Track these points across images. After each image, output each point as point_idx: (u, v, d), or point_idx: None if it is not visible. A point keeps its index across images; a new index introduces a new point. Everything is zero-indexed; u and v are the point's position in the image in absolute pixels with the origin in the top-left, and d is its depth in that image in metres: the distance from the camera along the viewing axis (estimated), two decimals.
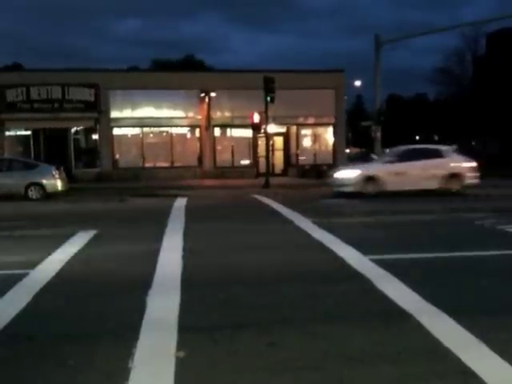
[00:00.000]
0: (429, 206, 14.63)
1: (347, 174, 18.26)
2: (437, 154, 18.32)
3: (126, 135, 29.65)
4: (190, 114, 29.43)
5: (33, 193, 18.57)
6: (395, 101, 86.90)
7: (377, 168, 18.26)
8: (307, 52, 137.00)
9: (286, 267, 7.37)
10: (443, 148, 19.21)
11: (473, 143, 52.75)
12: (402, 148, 20.17)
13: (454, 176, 17.82)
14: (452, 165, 18.04)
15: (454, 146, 20.34)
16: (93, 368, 4.00)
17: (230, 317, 5.18)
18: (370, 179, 17.57)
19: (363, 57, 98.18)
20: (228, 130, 30.26)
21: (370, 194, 17.21)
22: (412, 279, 6.28)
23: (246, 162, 30.24)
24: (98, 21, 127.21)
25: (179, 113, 29.37)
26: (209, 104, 28.81)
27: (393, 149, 21.14)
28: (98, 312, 5.41)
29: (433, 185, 17.54)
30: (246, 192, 20.02)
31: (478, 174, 18.21)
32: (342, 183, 18.03)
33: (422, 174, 17.59)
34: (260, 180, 25.21)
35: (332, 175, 18.98)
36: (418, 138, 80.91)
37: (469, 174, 17.96)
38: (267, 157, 25.22)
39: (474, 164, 18.40)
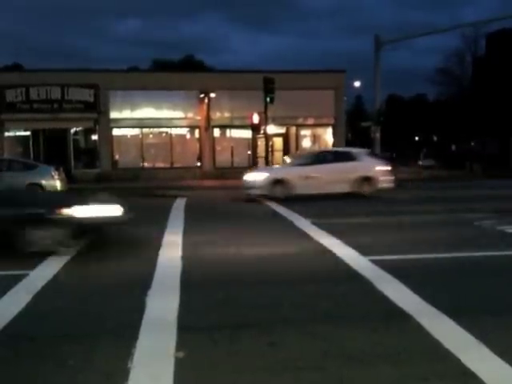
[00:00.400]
0: (430, 207, 14.64)
1: (256, 177, 17.69)
2: (349, 157, 17.85)
3: (126, 136, 29.65)
4: (190, 115, 29.43)
5: None
6: (395, 101, 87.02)
7: (286, 171, 17.77)
8: (307, 52, 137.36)
9: (286, 267, 7.37)
10: (356, 151, 18.71)
11: (472, 143, 52.86)
12: (313, 151, 19.82)
13: (367, 179, 17.35)
14: (364, 168, 17.55)
15: (368, 150, 19.96)
16: (92, 368, 4.00)
17: (229, 317, 5.18)
18: (278, 182, 16.99)
19: (363, 57, 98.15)
20: (227, 130, 30.27)
21: (277, 197, 16.59)
22: (412, 280, 6.28)
23: (244, 162, 30.23)
24: (98, 21, 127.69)
25: (179, 113, 29.37)
26: (208, 104, 28.81)
27: (304, 152, 20.83)
28: (97, 312, 5.41)
29: (344, 188, 17.05)
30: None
31: (392, 178, 17.82)
32: (251, 186, 17.47)
33: (332, 177, 17.07)
34: None
35: (243, 178, 18.25)
36: (417, 138, 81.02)
37: (382, 178, 17.50)
38: (266, 157, 25.22)
39: (388, 168, 18.04)
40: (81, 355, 4.23)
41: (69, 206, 8.22)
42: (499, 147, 47.70)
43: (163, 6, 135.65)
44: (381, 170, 17.87)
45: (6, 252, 8.72)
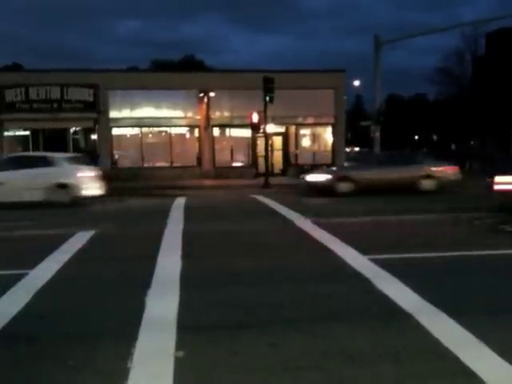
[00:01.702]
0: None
1: None
2: (44, 163, 16.67)
3: (125, 135, 29.63)
4: (189, 114, 29.40)
5: None
6: (395, 101, 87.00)
7: None
8: (306, 52, 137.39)
9: (286, 267, 7.36)
10: (53, 156, 17.35)
11: (472, 143, 52.90)
12: (5, 156, 19.03)
13: (63, 186, 16.15)
14: (60, 174, 16.36)
15: (73, 154, 18.91)
16: (92, 368, 4.00)
17: (229, 317, 5.18)
18: None
19: (363, 57, 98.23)
20: (227, 129, 30.24)
21: None
22: (411, 279, 6.27)
23: (244, 162, 30.22)
24: (97, 21, 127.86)
25: (178, 113, 29.34)
26: (208, 104, 28.79)
27: None
28: (97, 312, 5.41)
29: (37, 196, 15.67)
30: (246, 192, 20.01)
31: (99, 185, 17.04)
32: None
33: (23, 184, 15.78)
34: (259, 180, 25.18)
35: None
36: (417, 137, 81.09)
37: (84, 185, 16.47)
38: (266, 157, 25.20)
39: (93, 174, 17.18)
40: (81, 355, 4.23)
41: None
42: (499, 146, 47.67)
43: (163, 7, 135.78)
44: (83, 176, 16.72)
45: (5, 252, 8.74)
